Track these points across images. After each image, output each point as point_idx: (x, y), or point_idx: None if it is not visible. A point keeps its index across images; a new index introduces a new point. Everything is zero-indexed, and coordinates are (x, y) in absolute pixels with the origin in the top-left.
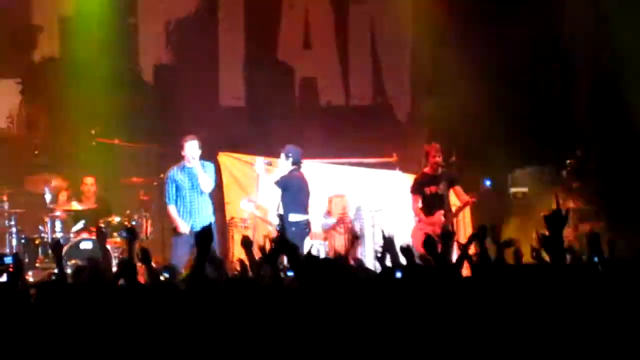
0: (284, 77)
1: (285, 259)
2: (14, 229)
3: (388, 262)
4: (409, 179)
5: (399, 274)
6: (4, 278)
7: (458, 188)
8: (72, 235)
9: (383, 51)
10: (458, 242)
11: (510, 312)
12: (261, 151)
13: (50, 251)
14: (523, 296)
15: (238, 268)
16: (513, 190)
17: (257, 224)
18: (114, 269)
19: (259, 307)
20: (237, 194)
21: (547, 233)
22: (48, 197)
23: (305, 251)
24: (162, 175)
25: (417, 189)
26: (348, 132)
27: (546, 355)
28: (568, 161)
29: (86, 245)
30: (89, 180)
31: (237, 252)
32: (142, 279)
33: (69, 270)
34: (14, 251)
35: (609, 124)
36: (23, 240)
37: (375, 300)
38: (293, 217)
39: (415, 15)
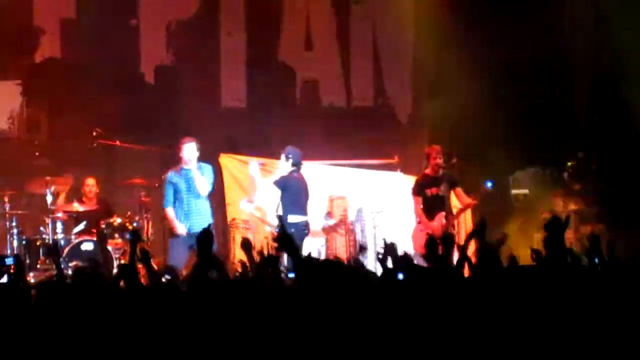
0: (285, 79)
1: (285, 260)
2: (15, 230)
3: (389, 264)
4: (409, 181)
5: (400, 276)
6: (4, 279)
7: (459, 190)
8: (73, 236)
9: (384, 53)
10: (458, 245)
11: (511, 313)
12: (262, 152)
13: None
14: (523, 297)
15: (239, 269)
16: (514, 192)
17: (257, 224)
18: (115, 270)
19: (260, 308)
20: (238, 195)
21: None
22: (49, 198)
23: (304, 252)
24: (163, 177)
25: (418, 190)
26: (349, 134)
27: (547, 356)
28: (569, 163)
29: (87, 246)
30: (90, 182)
31: (238, 253)
32: (143, 280)
33: (69, 272)
34: (15, 252)
35: (610, 125)
36: (24, 242)
37: (377, 302)
38: (292, 218)
39: (416, 17)
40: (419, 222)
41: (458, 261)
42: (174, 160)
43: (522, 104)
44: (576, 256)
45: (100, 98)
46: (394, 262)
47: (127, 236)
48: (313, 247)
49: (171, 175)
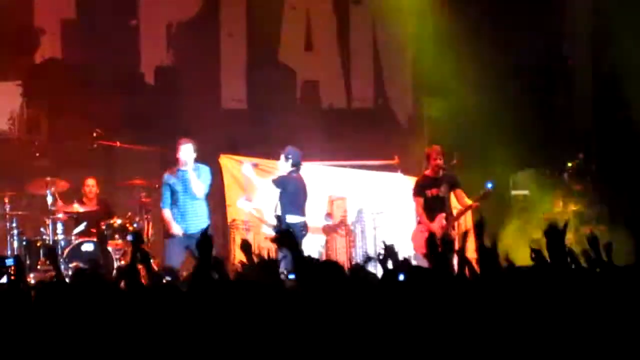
0: (286, 80)
1: (285, 262)
2: (15, 231)
3: (389, 266)
4: (410, 182)
5: (401, 277)
6: (5, 280)
7: (459, 191)
8: (73, 237)
9: (384, 53)
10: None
11: (510, 314)
12: (262, 153)
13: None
14: (522, 299)
15: (239, 270)
16: (514, 192)
17: (257, 224)
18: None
19: (261, 309)
20: (238, 195)
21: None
22: (49, 199)
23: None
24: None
25: (418, 191)
26: (349, 135)
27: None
28: (569, 164)
29: (87, 247)
30: (91, 182)
31: (239, 254)
32: (143, 281)
33: (70, 272)
34: (15, 253)
35: (610, 126)
36: (24, 243)
37: (378, 303)
38: (290, 219)
39: (417, 18)
40: (419, 223)
41: (459, 264)
42: (174, 161)
43: (522, 105)
44: (576, 257)
45: (101, 99)
46: (394, 264)
47: (129, 238)
48: (313, 246)
49: (168, 176)
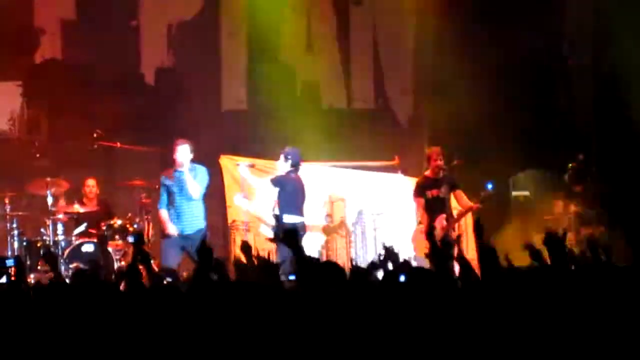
0: (286, 81)
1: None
2: (15, 232)
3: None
4: (410, 183)
5: (402, 278)
6: (3, 279)
7: (459, 192)
8: (73, 238)
9: (385, 54)
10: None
11: (511, 315)
12: (263, 154)
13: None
14: (524, 299)
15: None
16: (514, 193)
17: (256, 224)
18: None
19: (261, 310)
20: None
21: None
22: (50, 199)
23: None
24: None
25: (419, 192)
26: (349, 135)
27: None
28: (569, 165)
29: (88, 248)
30: (91, 182)
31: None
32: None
33: (70, 273)
34: (16, 254)
35: (610, 127)
36: (24, 243)
37: (379, 304)
38: (287, 218)
39: (416, 18)
40: (420, 224)
41: (460, 268)
42: (172, 162)
43: (522, 106)
44: (576, 259)
45: (101, 99)
46: (394, 265)
47: (130, 239)
48: (312, 247)
49: (164, 177)
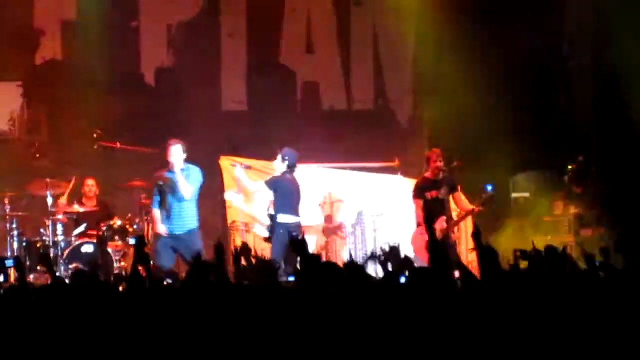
0: (286, 81)
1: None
2: (15, 232)
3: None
4: (410, 184)
5: (403, 279)
6: (1, 278)
7: (458, 195)
8: (73, 238)
9: (385, 55)
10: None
11: (511, 316)
12: (263, 155)
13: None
14: (524, 300)
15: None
16: (515, 195)
17: (251, 223)
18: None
19: (261, 310)
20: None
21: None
22: (50, 200)
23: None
24: None
25: (418, 193)
26: (350, 136)
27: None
28: (569, 166)
29: (87, 248)
30: (90, 182)
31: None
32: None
33: (69, 273)
34: (16, 254)
35: (611, 128)
36: (24, 244)
37: (379, 304)
38: (281, 218)
39: (417, 19)
40: (419, 226)
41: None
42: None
43: (522, 107)
44: (573, 262)
45: (101, 100)
46: (395, 265)
47: (131, 241)
48: (311, 247)
49: (157, 178)
